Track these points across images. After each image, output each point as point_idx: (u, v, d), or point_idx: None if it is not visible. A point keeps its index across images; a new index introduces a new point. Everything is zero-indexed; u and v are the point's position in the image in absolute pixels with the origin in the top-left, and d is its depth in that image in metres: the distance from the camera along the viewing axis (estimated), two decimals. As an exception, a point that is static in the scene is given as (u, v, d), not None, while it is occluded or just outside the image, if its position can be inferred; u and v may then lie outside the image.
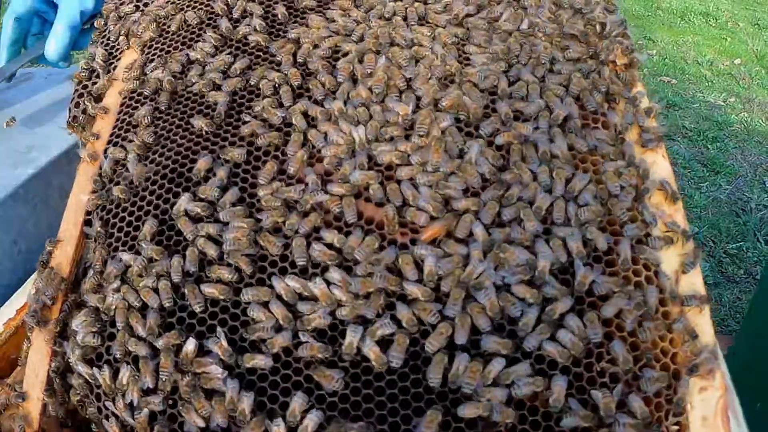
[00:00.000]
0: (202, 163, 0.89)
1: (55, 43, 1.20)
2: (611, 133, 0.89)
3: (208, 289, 0.79)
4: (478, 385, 0.72)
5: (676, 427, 0.77)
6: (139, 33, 1.08)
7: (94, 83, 1.07)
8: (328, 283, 0.78)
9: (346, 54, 0.98)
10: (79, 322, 0.81)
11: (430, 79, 0.92)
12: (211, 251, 0.81)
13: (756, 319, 2.21)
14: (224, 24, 1.04)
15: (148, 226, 0.85)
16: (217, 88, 0.98)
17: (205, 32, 1.05)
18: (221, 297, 0.78)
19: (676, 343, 0.78)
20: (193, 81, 0.99)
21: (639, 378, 0.74)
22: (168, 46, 1.06)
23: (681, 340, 0.78)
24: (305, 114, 0.92)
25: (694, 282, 0.83)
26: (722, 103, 4.25)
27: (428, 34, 0.98)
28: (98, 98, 1.05)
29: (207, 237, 0.83)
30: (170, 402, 0.76)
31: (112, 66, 1.08)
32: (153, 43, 1.07)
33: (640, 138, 0.90)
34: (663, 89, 4.34)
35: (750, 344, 2.21)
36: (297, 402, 0.72)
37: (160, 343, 0.77)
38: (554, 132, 0.86)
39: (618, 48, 0.93)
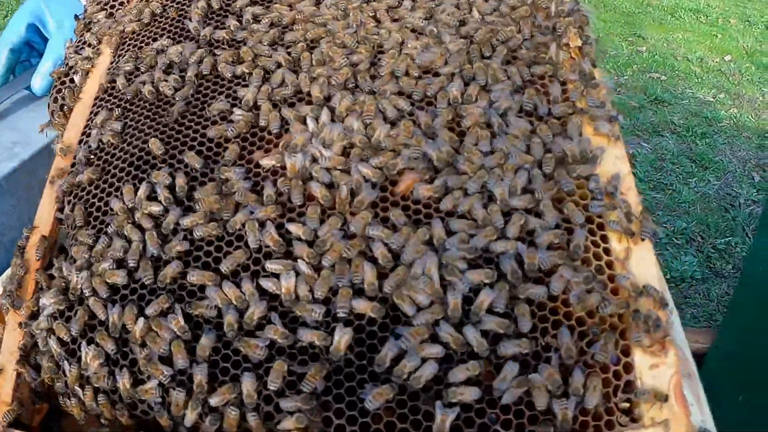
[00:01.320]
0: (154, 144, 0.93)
1: (41, 80, 1.28)
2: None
3: (193, 278, 0.82)
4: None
5: (626, 404, 0.77)
6: (113, 31, 1.13)
7: (71, 80, 1.12)
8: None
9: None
10: (48, 299, 0.85)
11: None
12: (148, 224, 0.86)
13: (739, 312, 2.23)
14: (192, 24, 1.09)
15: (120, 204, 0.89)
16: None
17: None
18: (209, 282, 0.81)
19: (625, 319, 0.80)
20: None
21: (585, 353, 0.76)
22: (140, 42, 1.11)
23: (629, 315, 0.79)
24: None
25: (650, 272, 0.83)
26: (711, 99, 4.27)
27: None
28: (75, 92, 1.10)
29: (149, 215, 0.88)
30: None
31: (88, 63, 1.12)
32: (127, 39, 1.12)
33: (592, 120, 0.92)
34: (652, 85, 4.35)
35: (733, 337, 2.23)
36: (247, 381, 0.74)
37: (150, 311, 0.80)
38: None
39: (570, 31, 0.95)
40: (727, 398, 1.94)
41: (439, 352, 0.73)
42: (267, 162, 0.90)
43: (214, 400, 0.75)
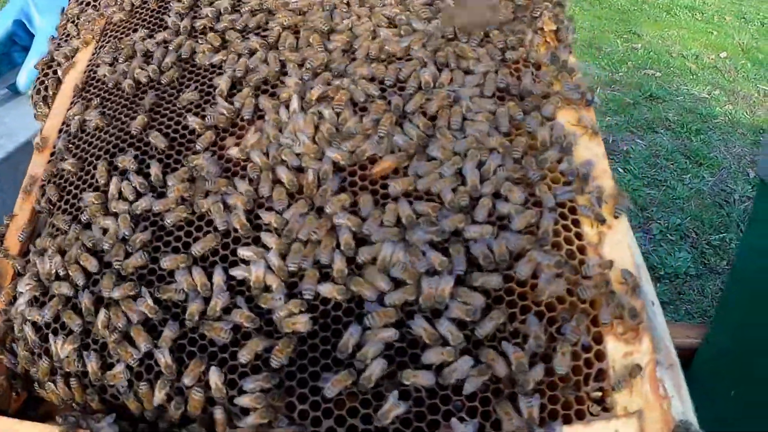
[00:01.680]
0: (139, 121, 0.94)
1: (26, 77, 1.30)
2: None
3: (167, 263, 0.82)
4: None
5: (598, 393, 0.75)
6: (95, 23, 1.14)
7: (54, 71, 1.14)
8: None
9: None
10: (23, 286, 0.85)
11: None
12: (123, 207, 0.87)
13: (730, 308, 2.22)
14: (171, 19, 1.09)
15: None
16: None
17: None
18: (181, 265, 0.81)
19: (597, 305, 0.78)
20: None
21: (555, 339, 0.75)
22: (121, 33, 1.11)
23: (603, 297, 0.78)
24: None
25: (624, 255, 0.82)
26: (707, 96, 4.26)
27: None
28: (57, 84, 1.11)
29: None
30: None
31: (71, 54, 1.13)
32: (108, 31, 1.14)
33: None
34: (647, 82, 4.35)
35: (724, 332, 2.22)
36: (214, 375, 0.74)
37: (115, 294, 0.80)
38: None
39: (546, 14, 0.94)
40: (719, 393, 1.92)
41: (392, 335, 0.73)
42: (234, 153, 0.89)
43: (187, 380, 0.74)
